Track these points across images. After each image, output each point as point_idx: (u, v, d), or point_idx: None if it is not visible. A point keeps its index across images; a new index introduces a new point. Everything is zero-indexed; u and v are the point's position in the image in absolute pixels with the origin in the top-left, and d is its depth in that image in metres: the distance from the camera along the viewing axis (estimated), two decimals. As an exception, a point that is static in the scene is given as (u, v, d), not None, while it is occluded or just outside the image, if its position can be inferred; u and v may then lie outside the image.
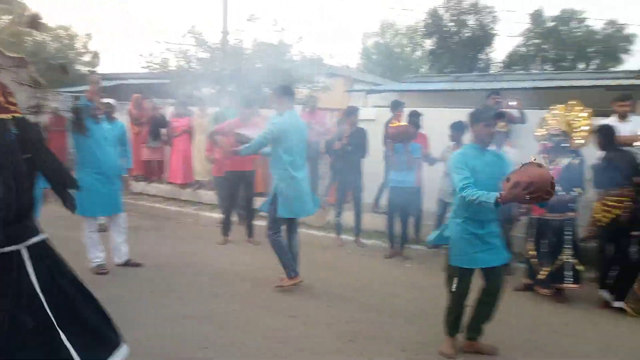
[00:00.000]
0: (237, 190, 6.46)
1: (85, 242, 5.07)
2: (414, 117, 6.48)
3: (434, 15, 25.27)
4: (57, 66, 10.77)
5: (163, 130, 9.50)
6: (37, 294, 2.32)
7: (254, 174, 6.66)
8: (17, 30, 15.22)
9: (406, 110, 6.80)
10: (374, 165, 6.68)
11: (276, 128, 4.54)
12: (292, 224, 4.87)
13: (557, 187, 4.55)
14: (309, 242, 4.98)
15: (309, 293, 4.67)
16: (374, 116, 8.07)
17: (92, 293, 2.60)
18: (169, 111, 9.86)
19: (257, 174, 7.77)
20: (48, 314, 2.33)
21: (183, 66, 10.37)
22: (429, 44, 27.05)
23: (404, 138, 5.87)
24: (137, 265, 5.30)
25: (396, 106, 6.79)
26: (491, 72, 21.06)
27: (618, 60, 24.60)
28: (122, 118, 9.11)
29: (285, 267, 4.70)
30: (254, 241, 6.41)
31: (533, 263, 4.76)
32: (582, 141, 4.65)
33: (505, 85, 10.58)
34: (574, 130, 4.68)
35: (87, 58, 16.31)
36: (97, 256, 5.08)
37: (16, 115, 2.37)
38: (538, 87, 9.96)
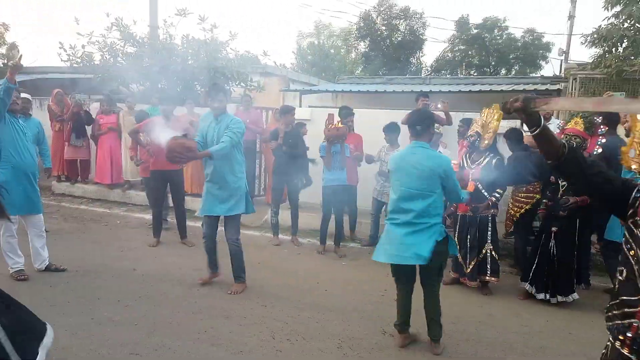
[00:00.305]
0: (164, 190, 6.26)
1: (2, 247, 4.69)
2: (347, 116, 6.57)
3: (366, 18, 25.84)
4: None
5: (87, 128, 9.02)
6: None
7: (181, 172, 6.46)
8: None
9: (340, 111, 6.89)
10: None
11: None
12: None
13: (478, 185, 4.85)
14: (245, 243, 4.89)
15: (244, 293, 4.61)
16: (309, 116, 8.13)
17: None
18: (94, 107, 9.36)
19: (186, 174, 7.60)
20: None
21: (108, 61, 9.86)
22: (362, 46, 27.65)
23: (341, 139, 5.97)
24: (60, 270, 4.97)
25: (346, 114, 6.68)
26: (422, 75, 21.86)
27: (537, 66, 26.43)
28: (41, 114, 8.58)
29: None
30: (188, 242, 6.22)
31: (459, 258, 5.00)
32: (487, 142, 4.90)
33: (434, 88, 11.04)
34: (487, 131, 4.96)
35: (2, 50, 15.07)
36: (17, 262, 4.72)
37: None
38: (463, 90, 10.49)
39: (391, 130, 6.28)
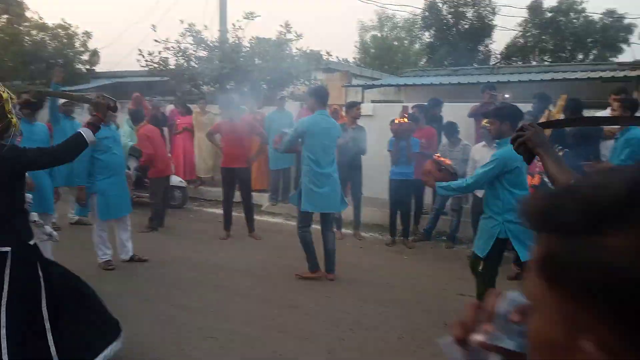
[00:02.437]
0: (233, 186, 6.61)
1: (95, 241, 5.25)
2: (419, 111, 6.63)
3: (431, 7, 25.27)
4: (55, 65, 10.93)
5: (164, 129, 9.67)
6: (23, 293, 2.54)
7: (249, 170, 6.78)
8: (16, 30, 15.37)
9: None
10: (375, 160, 6.81)
11: (300, 126, 4.87)
12: (324, 220, 5.06)
13: (544, 178, 4.73)
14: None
15: (309, 286, 4.83)
16: (371, 112, 8.20)
17: (88, 292, 2.86)
18: (168, 109, 10.02)
19: (253, 171, 7.99)
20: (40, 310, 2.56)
21: (182, 65, 10.50)
22: (427, 36, 27.06)
23: (405, 133, 6.02)
24: (142, 260, 5.46)
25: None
26: (491, 64, 21.12)
27: (617, 50, 24.57)
28: (121, 116, 9.30)
29: (307, 261, 4.96)
30: (255, 236, 6.56)
31: None
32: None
33: (502, 78, 10.69)
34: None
35: (86, 57, 16.39)
36: (105, 253, 5.26)
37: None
38: (534, 80, 10.07)
39: (450, 129, 6.23)
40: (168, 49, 10.39)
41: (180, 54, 10.40)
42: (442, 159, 4.27)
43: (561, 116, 4.67)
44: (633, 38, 20.01)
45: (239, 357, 3.43)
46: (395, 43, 28.10)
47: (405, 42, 28.86)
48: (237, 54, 10.04)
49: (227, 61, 9.79)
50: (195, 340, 3.66)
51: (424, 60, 26.73)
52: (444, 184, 3.83)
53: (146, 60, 10.52)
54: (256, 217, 6.85)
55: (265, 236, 6.63)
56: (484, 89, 6.71)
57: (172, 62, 10.60)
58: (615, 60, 20.11)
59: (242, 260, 5.59)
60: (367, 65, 23.76)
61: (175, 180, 7.94)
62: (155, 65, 10.58)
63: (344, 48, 62.07)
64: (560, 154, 4.49)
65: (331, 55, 11.56)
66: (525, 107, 6.46)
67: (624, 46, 22.94)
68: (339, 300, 4.46)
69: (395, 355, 3.51)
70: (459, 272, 5.25)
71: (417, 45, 28.38)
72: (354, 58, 28.24)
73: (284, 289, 4.73)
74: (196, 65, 10.39)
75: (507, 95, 6.62)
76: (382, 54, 26.37)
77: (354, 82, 13.68)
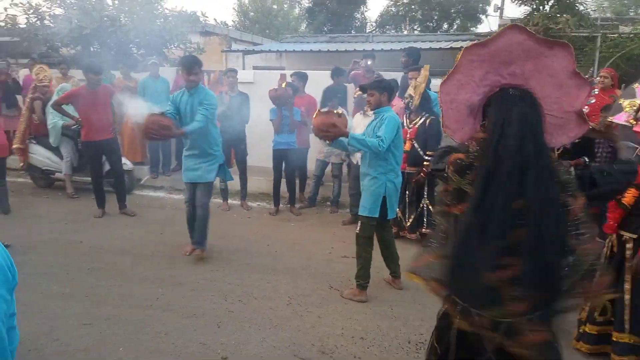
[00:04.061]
0: (99, 160, 6.11)
1: None
2: (299, 79, 6.60)
3: (309, -29, 25.19)
4: None
5: (17, 97, 8.53)
6: None
7: (116, 140, 6.28)
8: None
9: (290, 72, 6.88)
10: (259, 128, 6.72)
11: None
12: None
13: (414, 144, 5.11)
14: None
15: (195, 261, 4.71)
16: (251, 79, 8.05)
17: None
18: (22, 73, 8.83)
19: (124, 143, 7.48)
20: None
21: (35, 23, 9.24)
22: (306, 1, 27.03)
23: (283, 101, 5.99)
24: (4, 246, 4.85)
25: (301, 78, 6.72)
26: (366, 32, 21.82)
27: (477, 21, 26.86)
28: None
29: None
30: (129, 212, 6.16)
31: (397, 213, 5.31)
32: (416, 102, 5.12)
33: (376, 47, 11.13)
34: (418, 92, 5.17)
35: None
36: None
37: None
38: (404, 49, 10.63)
39: (330, 94, 6.36)
40: (16, 4, 9.05)
41: (32, 11, 9.12)
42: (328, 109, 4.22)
43: (423, 86, 5.02)
44: (490, 10, 21.98)
45: (121, 341, 3.25)
46: (275, 7, 27.64)
47: (285, 5, 28.52)
48: (98, 13, 9.06)
49: (87, 21, 8.81)
50: (70, 329, 3.39)
51: (304, 25, 26.77)
52: (358, 136, 3.81)
53: (-10, 18, 9.08)
54: (136, 191, 6.44)
55: (145, 212, 6.28)
56: (365, 57, 6.89)
57: (22, 20, 9.27)
58: (475, 30, 22.04)
59: (119, 240, 5.25)
60: (247, 29, 23.15)
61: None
62: (1, 23, 9.17)
63: (221, 10, 59.60)
64: None
65: (207, 17, 11.03)
66: (397, 75, 6.84)
67: (483, 17, 25.12)
68: (226, 273, 4.43)
69: (283, 320, 3.60)
70: (343, 235, 5.53)
71: (296, 10, 28.26)
72: (233, 21, 27.33)
73: (167, 267, 4.55)
74: (52, 25, 9.22)
75: (369, 62, 6.86)
76: (262, 18, 25.80)
77: (234, 46, 13.26)
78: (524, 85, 1.62)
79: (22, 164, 7.18)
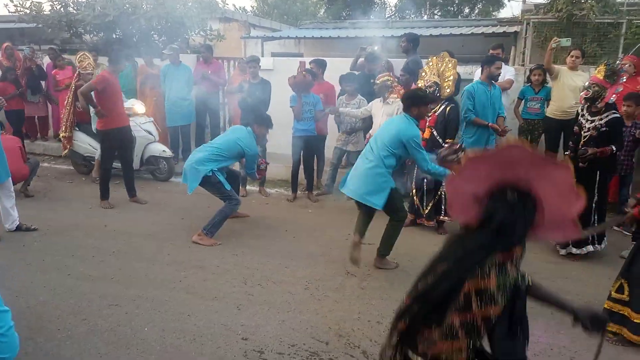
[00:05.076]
0: (115, 150, 6.05)
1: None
2: (317, 66, 6.63)
3: (328, -44, 24.87)
4: None
5: (42, 83, 8.74)
6: None
7: (129, 130, 6.16)
8: None
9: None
10: (278, 115, 6.76)
11: None
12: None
13: (433, 132, 5.13)
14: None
15: (216, 246, 4.83)
16: (271, 66, 8.08)
17: None
18: (45, 61, 9.01)
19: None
20: None
21: (59, 11, 9.39)
22: (325, -15, 26.74)
23: (302, 87, 6.04)
24: (31, 230, 5.05)
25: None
26: (386, 17, 21.53)
27: (500, 5, 26.25)
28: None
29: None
30: (140, 200, 6.19)
31: (415, 201, 5.34)
32: (448, 90, 5.14)
33: (395, 32, 11.02)
34: (445, 80, 5.15)
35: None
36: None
37: None
38: (424, 35, 10.53)
39: (349, 80, 6.35)
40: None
41: (55, -3, 9.27)
42: (450, 142, 4.59)
43: (456, 73, 5.06)
44: (513, -7, 21.47)
45: (146, 321, 3.39)
46: (293, -9, 27.43)
47: (303, -10, 28.29)
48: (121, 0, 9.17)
49: (110, 7, 8.93)
50: (97, 309, 3.54)
51: (323, 10, 26.54)
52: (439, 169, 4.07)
53: (15, 5, 9.25)
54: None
55: (168, 198, 6.43)
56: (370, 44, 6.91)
57: (47, 7, 9.43)
58: (497, 15, 21.57)
59: (143, 225, 5.40)
60: (266, 14, 23.07)
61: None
62: (27, 10, 9.35)
63: (240, -5, 59.31)
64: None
65: (227, 4, 11.05)
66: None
67: (506, 1, 24.54)
68: (247, 258, 4.54)
69: (301, 304, 3.70)
70: (359, 222, 5.59)
71: (315, -5, 28.00)
72: (252, 7, 27.25)
73: (190, 251, 4.69)
74: (75, 11, 9.36)
75: (376, 47, 6.88)
76: (280, 3, 25.67)
77: (253, 33, 13.27)
78: (528, 187, 1.71)
79: (65, 151, 7.33)
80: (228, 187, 4.95)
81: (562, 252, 4.70)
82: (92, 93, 5.72)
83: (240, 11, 18.46)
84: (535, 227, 1.74)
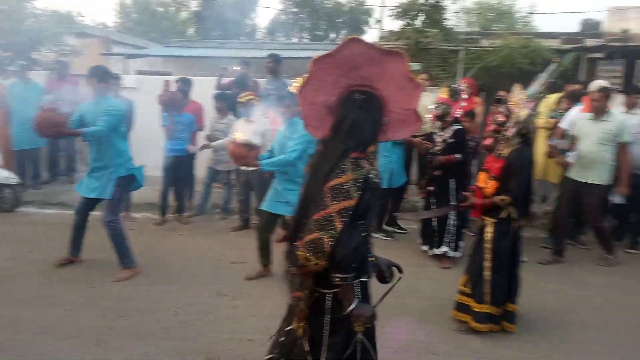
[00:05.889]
0: None
1: None
2: (184, 85, 6.49)
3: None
4: None
5: None
6: None
7: None
8: None
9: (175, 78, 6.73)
10: (142, 136, 6.45)
11: None
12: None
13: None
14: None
15: (73, 277, 4.41)
16: (134, 84, 7.71)
17: None
18: None
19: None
20: None
21: None
22: (194, 4, 26.43)
23: (171, 106, 5.87)
24: None
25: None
26: (256, 38, 21.90)
27: (362, 32, 28.27)
28: None
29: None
30: None
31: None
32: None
33: (265, 54, 11.23)
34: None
35: None
36: None
37: None
38: (293, 57, 10.92)
39: (222, 99, 6.34)
40: None
41: None
42: (238, 136, 4.44)
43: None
44: (372, 21, 23.27)
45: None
46: (160, 9, 26.64)
47: (172, 8, 27.62)
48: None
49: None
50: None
51: (193, 29, 26.14)
52: (268, 161, 4.18)
53: None
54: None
55: (11, 230, 5.72)
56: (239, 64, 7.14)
57: None
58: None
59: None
60: (130, 31, 21.99)
61: None
62: None
63: (100, 12, 55.84)
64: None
65: (84, 17, 10.35)
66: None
67: (366, 28, 26.52)
68: (106, 289, 4.21)
69: (169, 330, 3.53)
70: (232, 241, 5.54)
71: (184, 13, 27.50)
72: (114, 22, 25.82)
73: (39, 287, 4.21)
74: None
75: (237, 68, 7.09)
76: (146, 20, 24.71)
77: (115, 50, 12.56)
78: (372, 87, 1.83)
79: None
80: None
81: (431, 252, 5.11)
82: None
83: (100, 27, 17.37)
84: (384, 126, 1.84)
